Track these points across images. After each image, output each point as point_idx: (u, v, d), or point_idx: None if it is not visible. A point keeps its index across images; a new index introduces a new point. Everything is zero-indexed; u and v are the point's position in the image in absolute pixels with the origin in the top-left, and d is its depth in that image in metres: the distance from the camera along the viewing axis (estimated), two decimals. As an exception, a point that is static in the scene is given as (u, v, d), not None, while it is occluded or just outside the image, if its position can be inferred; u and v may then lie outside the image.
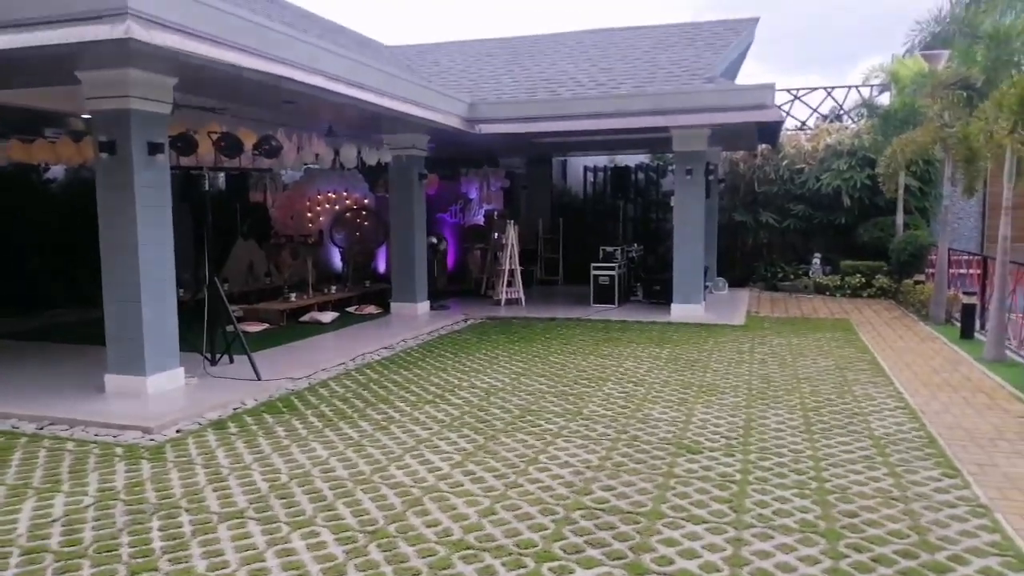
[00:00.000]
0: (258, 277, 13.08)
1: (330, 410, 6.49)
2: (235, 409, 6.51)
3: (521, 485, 4.67)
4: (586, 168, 18.12)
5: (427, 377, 7.78)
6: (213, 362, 7.77)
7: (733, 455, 5.22)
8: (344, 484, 4.70)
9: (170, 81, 6.79)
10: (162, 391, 6.75)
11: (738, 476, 4.80)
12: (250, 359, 7.41)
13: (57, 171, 12.55)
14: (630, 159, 17.51)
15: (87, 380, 7.09)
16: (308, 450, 5.39)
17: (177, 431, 5.85)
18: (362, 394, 7.07)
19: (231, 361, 7.85)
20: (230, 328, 7.77)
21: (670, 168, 15.09)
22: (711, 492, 4.53)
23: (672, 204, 12.01)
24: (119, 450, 5.40)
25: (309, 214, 13.62)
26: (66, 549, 3.83)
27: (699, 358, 8.65)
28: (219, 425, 6.03)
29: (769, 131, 12.49)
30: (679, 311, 11.68)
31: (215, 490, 4.62)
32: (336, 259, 14.53)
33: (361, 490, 4.60)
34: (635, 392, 7.07)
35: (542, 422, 6.08)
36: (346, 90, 7.95)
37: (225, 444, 5.54)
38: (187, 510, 4.31)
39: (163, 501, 4.45)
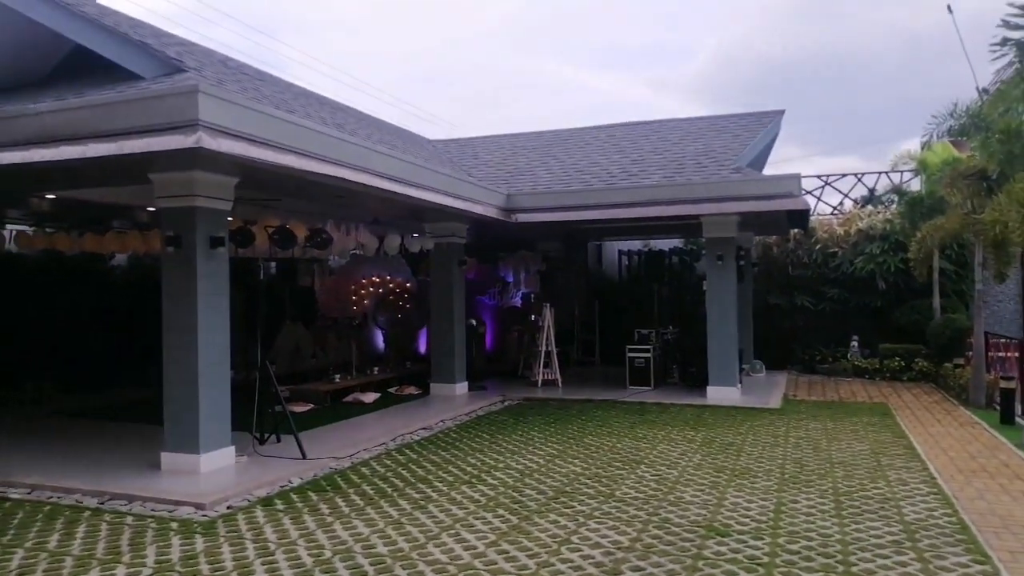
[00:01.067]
0: (304, 358, 13.56)
1: (371, 489, 6.76)
2: (282, 487, 6.82)
3: (553, 564, 4.85)
4: (620, 252, 18.56)
5: (464, 458, 8.02)
6: (262, 441, 8.13)
7: (762, 538, 5.32)
8: (384, 560, 4.94)
9: (232, 181, 7.44)
10: (214, 469, 7.13)
11: (766, 559, 4.91)
12: (296, 439, 7.77)
13: (120, 258, 13.39)
14: (664, 243, 17.91)
15: (145, 457, 7.51)
16: (350, 527, 5.65)
17: (228, 507, 6.17)
18: (402, 473, 7.33)
19: (278, 440, 8.20)
20: (278, 408, 8.18)
21: (703, 252, 15.43)
22: (738, 574, 4.65)
23: (705, 288, 12.28)
24: (174, 524, 5.73)
25: (354, 297, 14.16)
26: (128, 617, 4.13)
27: (733, 441, 8.74)
28: (267, 502, 6.34)
29: (798, 217, 12.81)
30: (715, 394, 11.77)
31: (263, 564, 4.89)
32: (379, 340, 14.99)
33: (400, 567, 4.82)
34: (668, 475, 7.20)
35: (575, 503, 6.25)
36: (391, 186, 8.55)
37: (273, 520, 5.83)
38: (238, 582, 4.59)
39: (215, 574, 4.73)
